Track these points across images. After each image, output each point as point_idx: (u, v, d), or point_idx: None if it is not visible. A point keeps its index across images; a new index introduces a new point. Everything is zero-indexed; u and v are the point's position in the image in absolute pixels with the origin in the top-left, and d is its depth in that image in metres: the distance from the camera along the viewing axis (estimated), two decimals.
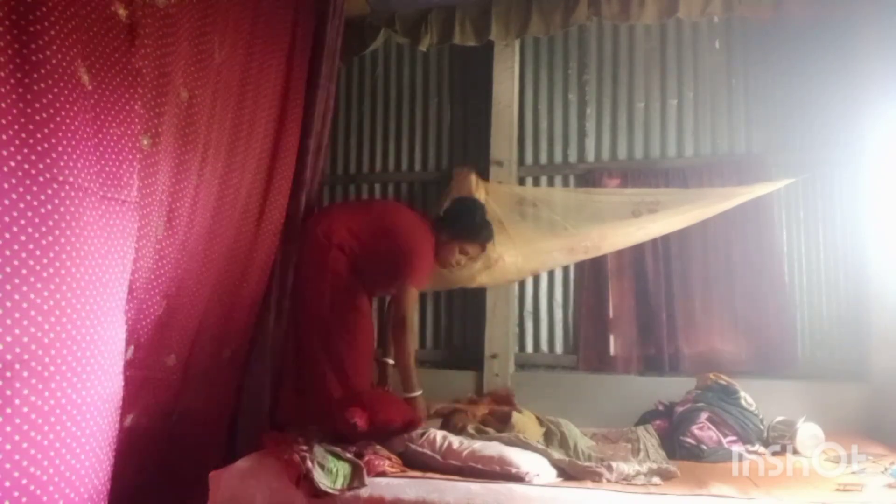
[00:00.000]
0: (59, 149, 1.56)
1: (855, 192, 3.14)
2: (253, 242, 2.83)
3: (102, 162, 1.73)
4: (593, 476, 2.06)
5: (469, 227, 2.95)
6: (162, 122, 2.12)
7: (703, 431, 2.48)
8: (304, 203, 3.07)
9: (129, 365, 2.14)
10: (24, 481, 1.46)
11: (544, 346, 3.56)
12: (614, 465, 2.10)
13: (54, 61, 1.56)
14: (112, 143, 1.77)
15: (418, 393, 2.64)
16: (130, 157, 1.85)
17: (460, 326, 3.68)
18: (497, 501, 1.92)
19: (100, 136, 1.72)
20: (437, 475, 2.07)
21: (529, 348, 3.58)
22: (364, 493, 1.99)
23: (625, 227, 3.16)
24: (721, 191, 3.14)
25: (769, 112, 3.36)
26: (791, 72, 3.32)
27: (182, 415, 2.55)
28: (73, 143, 1.61)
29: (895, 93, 2.88)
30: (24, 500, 1.45)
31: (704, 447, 2.42)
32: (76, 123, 1.63)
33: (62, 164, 1.56)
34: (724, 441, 2.47)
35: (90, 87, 1.70)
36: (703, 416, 2.53)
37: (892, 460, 2.25)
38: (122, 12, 1.86)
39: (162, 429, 2.45)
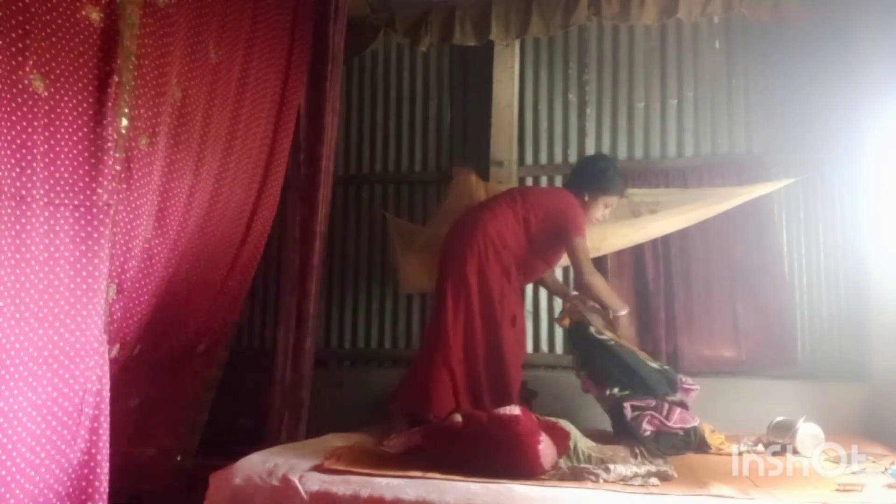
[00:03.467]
0: (17, 157, 1.59)
1: (855, 192, 3.14)
2: (241, 242, 2.84)
3: (52, 168, 1.73)
4: (591, 478, 2.06)
5: (609, 181, 2.95)
6: (159, 122, 2.13)
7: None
8: (320, 207, 3.09)
9: (113, 363, 2.16)
10: None
11: (544, 346, 3.56)
12: (612, 466, 2.10)
13: (21, 71, 1.57)
14: (64, 149, 1.77)
15: (624, 311, 2.80)
16: (91, 160, 1.84)
17: None
18: (497, 501, 1.92)
19: (51, 142, 1.72)
20: (438, 475, 2.07)
21: (529, 348, 3.57)
22: (364, 492, 1.99)
23: (625, 227, 3.17)
24: (721, 191, 3.14)
25: (769, 112, 3.36)
26: (791, 72, 3.32)
27: (144, 402, 2.57)
28: (24, 150, 1.63)
29: (895, 93, 2.88)
30: None
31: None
32: (30, 131, 1.64)
33: (14, 174, 1.58)
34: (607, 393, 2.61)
35: (45, 94, 1.70)
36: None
37: (893, 460, 2.25)
38: (94, 16, 1.85)
39: (126, 416, 2.47)
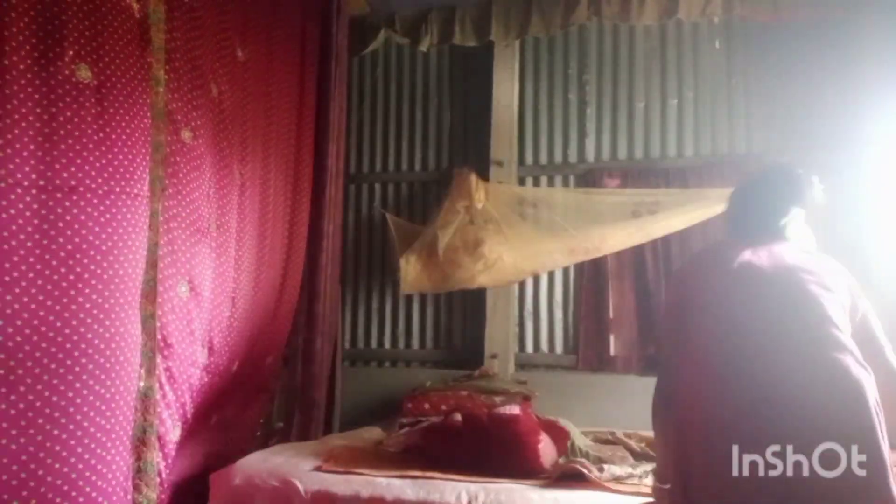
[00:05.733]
0: (62, 147, 1.56)
1: (855, 193, 3.13)
2: (288, 246, 2.84)
3: (109, 157, 1.72)
4: (583, 470, 2.05)
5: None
6: (199, 115, 2.11)
7: None
8: (328, 207, 3.09)
9: (204, 370, 2.18)
10: (49, 475, 1.47)
11: (544, 346, 3.56)
12: (606, 466, 2.10)
13: (61, 61, 1.56)
14: (117, 137, 1.76)
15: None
16: (142, 150, 1.83)
17: (460, 326, 3.68)
18: (497, 501, 1.92)
19: (105, 131, 1.71)
20: (438, 475, 2.07)
21: (529, 348, 3.57)
22: (364, 492, 1.99)
23: (625, 227, 3.16)
24: (721, 191, 3.12)
25: (769, 112, 3.36)
26: (791, 72, 3.32)
27: (220, 420, 2.53)
28: (74, 140, 1.61)
29: (895, 93, 2.88)
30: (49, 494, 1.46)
31: None
32: (76, 120, 1.62)
33: (59, 165, 1.57)
34: None
35: (94, 83, 1.69)
36: None
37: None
38: (135, 6, 1.85)
39: (207, 435, 2.43)
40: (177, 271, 1.99)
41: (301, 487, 2.05)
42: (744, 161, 3.33)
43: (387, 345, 3.77)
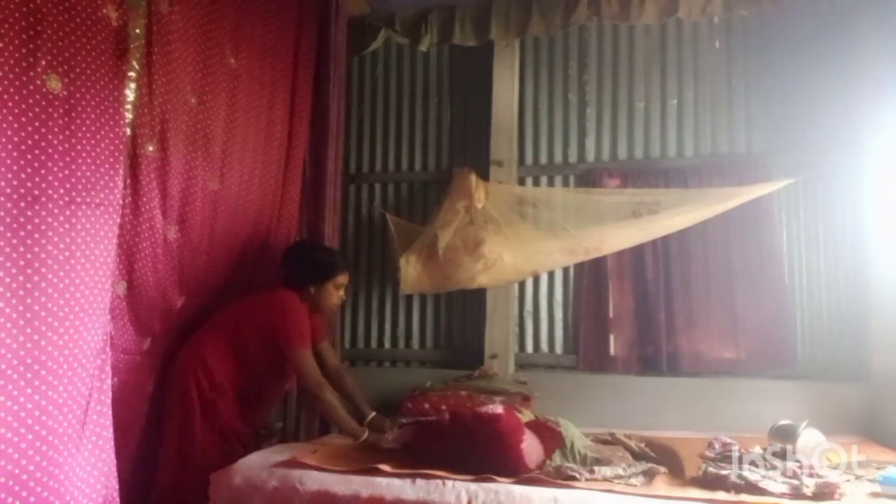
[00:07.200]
0: (28, 157, 1.58)
1: (855, 192, 3.14)
2: (264, 243, 2.89)
3: (73, 167, 1.73)
4: (573, 474, 2.05)
5: (332, 266, 2.75)
6: (168, 128, 2.15)
7: None
8: (327, 209, 3.09)
9: (146, 355, 2.28)
10: (10, 482, 1.48)
11: (544, 346, 3.56)
12: (597, 469, 2.11)
13: (17, 69, 1.56)
14: (86, 147, 1.77)
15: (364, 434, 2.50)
16: (110, 159, 1.84)
17: (460, 326, 3.68)
18: (497, 501, 1.93)
19: (72, 140, 1.73)
20: (439, 473, 2.07)
21: (529, 348, 3.57)
22: (364, 492, 1.99)
23: (625, 227, 3.16)
24: (721, 191, 3.14)
25: (769, 112, 3.36)
26: (791, 72, 3.32)
27: None
28: (38, 150, 1.63)
29: (895, 93, 2.88)
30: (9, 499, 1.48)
31: None
32: (44, 131, 1.64)
33: (24, 175, 1.59)
34: None
35: (63, 93, 1.69)
36: None
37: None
38: (112, 15, 1.85)
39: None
40: (119, 273, 2.11)
41: (301, 487, 2.05)
42: (744, 161, 3.34)
43: (387, 345, 3.77)
